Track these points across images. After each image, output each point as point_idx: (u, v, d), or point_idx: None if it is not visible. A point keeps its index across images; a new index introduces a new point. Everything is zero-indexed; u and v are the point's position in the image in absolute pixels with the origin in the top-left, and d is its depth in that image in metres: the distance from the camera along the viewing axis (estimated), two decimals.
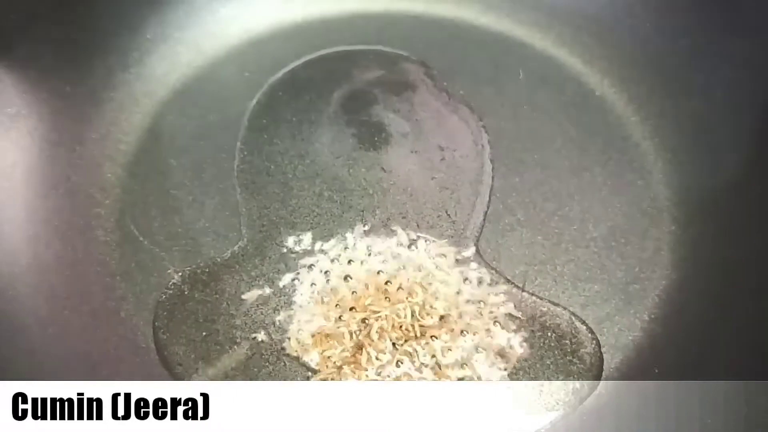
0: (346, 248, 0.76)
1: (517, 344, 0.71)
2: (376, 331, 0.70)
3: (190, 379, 0.69)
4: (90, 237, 0.77)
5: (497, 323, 0.72)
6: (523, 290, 0.74)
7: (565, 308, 0.73)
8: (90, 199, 0.79)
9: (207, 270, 0.75)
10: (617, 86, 0.87)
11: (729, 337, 0.70)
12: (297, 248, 0.76)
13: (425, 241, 0.77)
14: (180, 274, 0.75)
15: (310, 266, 0.75)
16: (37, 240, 0.74)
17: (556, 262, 0.76)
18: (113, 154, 0.82)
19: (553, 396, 0.69)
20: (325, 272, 0.75)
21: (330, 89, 0.89)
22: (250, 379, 0.69)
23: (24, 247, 0.73)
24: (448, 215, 0.79)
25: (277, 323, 0.72)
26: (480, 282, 0.74)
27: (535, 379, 0.69)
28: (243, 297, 0.73)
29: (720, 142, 0.80)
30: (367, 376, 0.68)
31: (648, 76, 0.86)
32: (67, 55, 0.83)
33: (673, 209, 0.79)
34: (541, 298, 0.73)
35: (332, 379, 0.68)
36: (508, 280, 0.74)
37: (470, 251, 0.76)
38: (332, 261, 0.75)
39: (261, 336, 0.72)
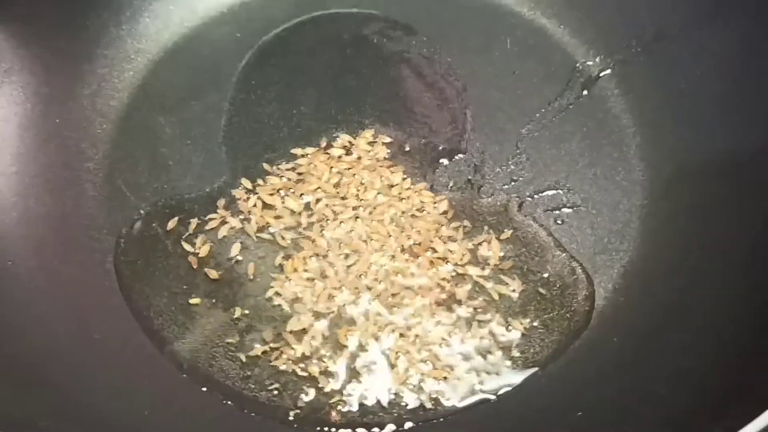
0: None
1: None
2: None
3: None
4: (79, 191, 0.79)
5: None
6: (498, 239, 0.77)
7: (565, 250, 0.77)
8: (80, 154, 0.81)
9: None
10: (602, 58, 0.88)
11: (692, 311, 0.71)
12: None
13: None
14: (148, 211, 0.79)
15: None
16: (27, 193, 0.77)
17: (527, 231, 0.78)
18: (104, 110, 0.84)
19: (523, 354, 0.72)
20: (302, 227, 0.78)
21: (320, 52, 0.90)
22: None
23: (15, 200, 0.76)
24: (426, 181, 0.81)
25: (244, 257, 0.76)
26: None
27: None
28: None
29: (698, 119, 0.80)
30: None
31: (633, 49, 0.87)
32: (61, 11, 0.84)
33: (646, 183, 0.81)
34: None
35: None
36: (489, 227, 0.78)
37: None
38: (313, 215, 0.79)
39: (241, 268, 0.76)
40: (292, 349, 0.71)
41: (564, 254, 0.77)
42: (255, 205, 0.78)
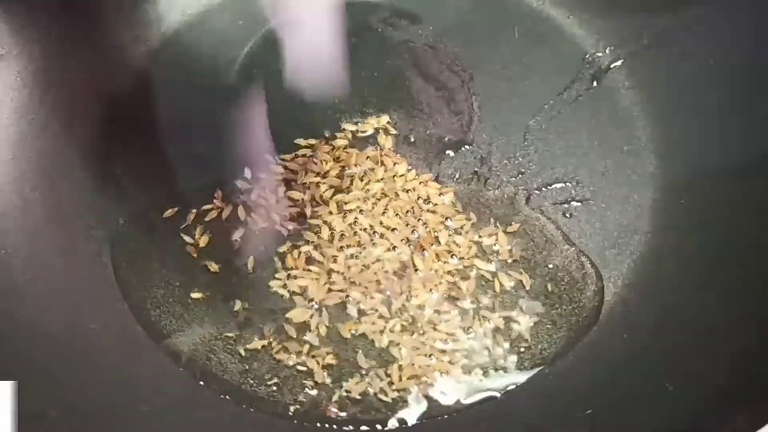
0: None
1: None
2: None
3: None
4: (76, 179, 0.77)
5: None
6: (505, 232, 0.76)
7: (573, 244, 0.75)
8: (78, 142, 0.79)
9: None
10: (612, 49, 0.86)
11: (703, 309, 0.69)
12: None
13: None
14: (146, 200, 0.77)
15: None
16: (23, 180, 0.75)
17: (535, 224, 0.76)
18: (102, 97, 0.82)
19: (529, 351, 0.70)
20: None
21: None
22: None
23: (10, 188, 0.74)
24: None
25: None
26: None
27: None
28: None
29: (709, 112, 0.79)
30: None
31: (644, 40, 0.85)
32: None
33: (657, 177, 0.79)
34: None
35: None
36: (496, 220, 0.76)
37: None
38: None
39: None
40: (293, 342, 0.69)
41: (572, 248, 0.75)
42: (256, 196, 0.76)
